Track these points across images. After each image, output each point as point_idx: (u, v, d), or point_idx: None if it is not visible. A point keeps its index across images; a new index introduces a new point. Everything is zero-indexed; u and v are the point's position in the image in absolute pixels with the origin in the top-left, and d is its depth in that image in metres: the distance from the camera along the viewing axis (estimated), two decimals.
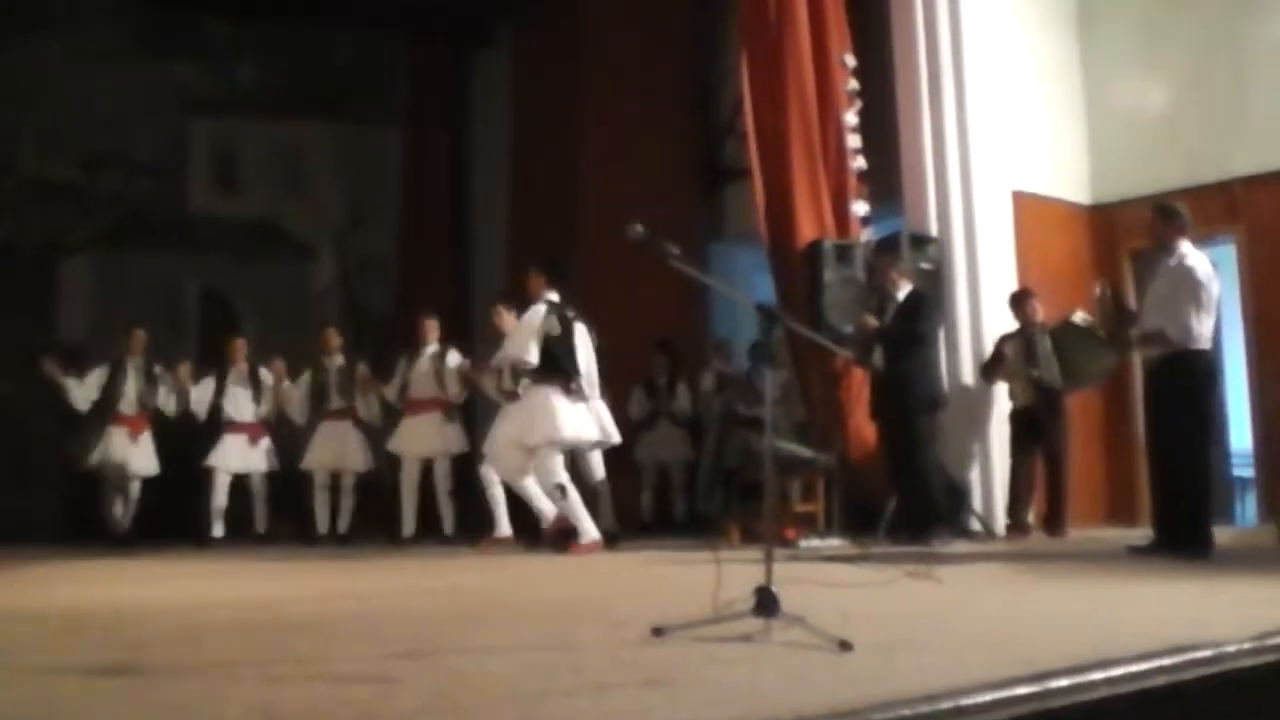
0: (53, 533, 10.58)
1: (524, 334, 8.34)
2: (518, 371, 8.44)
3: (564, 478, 8.23)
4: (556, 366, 8.30)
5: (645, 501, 11.45)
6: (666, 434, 11.36)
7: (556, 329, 8.32)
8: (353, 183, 14.95)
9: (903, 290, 8.51)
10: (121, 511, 10.45)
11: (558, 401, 8.21)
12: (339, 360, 10.66)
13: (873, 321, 8.48)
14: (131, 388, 10.40)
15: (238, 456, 10.62)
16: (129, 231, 13.70)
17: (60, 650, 3.72)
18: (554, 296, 8.50)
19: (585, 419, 8.42)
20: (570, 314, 8.52)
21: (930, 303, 8.63)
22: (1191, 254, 6.68)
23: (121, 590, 6.18)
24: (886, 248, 9.04)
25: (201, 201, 14.35)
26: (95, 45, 13.63)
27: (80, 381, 10.26)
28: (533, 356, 8.23)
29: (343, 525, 10.55)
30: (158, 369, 10.59)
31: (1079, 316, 8.64)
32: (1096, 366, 8.75)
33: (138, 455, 10.50)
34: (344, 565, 7.83)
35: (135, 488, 10.55)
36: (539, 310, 8.37)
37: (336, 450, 10.52)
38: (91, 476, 10.52)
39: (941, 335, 8.96)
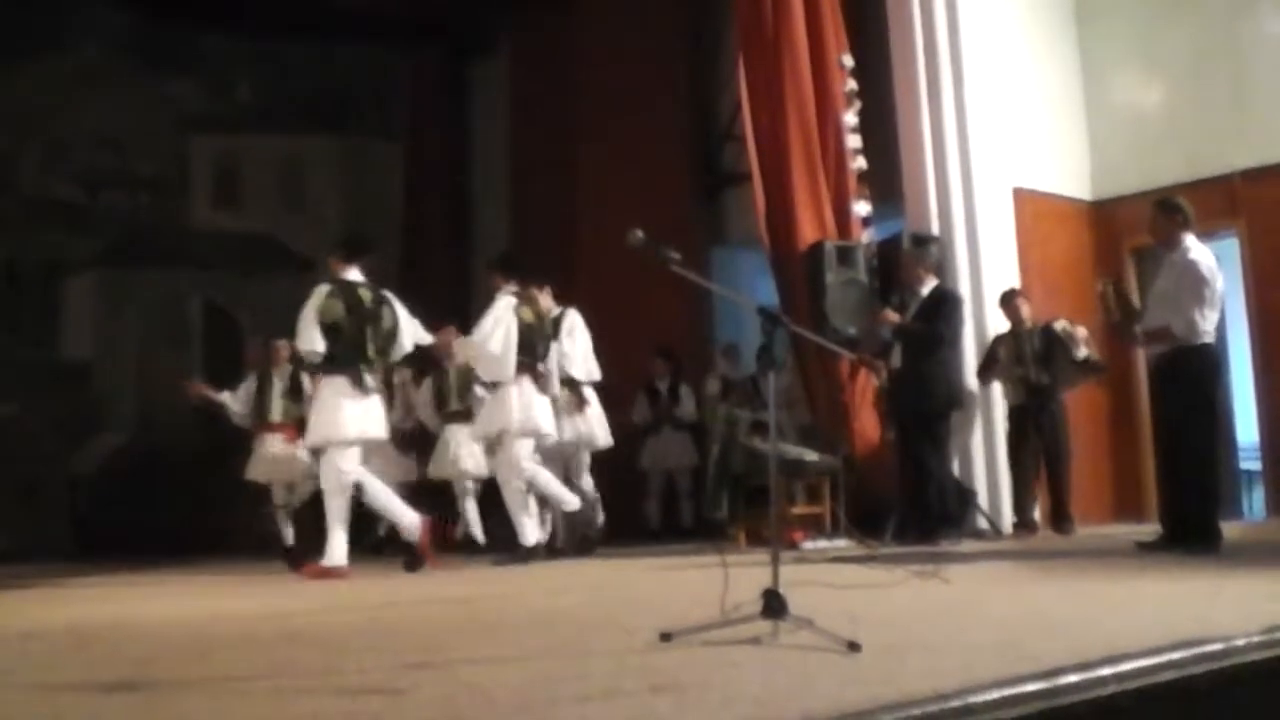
0: (59, 550, 10.59)
1: (303, 323, 7.48)
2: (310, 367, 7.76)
3: (358, 477, 7.52)
4: (339, 357, 7.52)
5: (651, 508, 11.44)
6: (670, 439, 11.35)
7: (339, 312, 7.51)
8: (353, 195, 14.97)
9: (927, 286, 8.50)
10: (284, 524, 10.20)
11: (341, 398, 7.47)
12: (458, 362, 10.01)
13: (893, 316, 8.47)
14: (278, 397, 10.31)
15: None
16: (131, 248, 13.73)
17: (68, 667, 3.72)
18: (352, 275, 7.75)
19: (374, 414, 7.62)
20: (372, 295, 7.73)
21: (952, 301, 8.59)
22: (1195, 248, 6.65)
23: (128, 606, 6.17)
24: (918, 243, 8.99)
25: (203, 217, 14.40)
26: (95, 65, 13.70)
27: (234, 396, 10.23)
28: (316, 345, 7.43)
29: (477, 532, 10.21)
30: (304, 378, 10.49)
31: (1060, 325, 8.65)
32: (1064, 376, 8.75)
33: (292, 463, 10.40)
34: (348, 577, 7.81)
35: (297, 497, 10.39)
36: (320, 291, 7.57)
37: (464, 455, 10.05)
38: (93, 490, 10.46)
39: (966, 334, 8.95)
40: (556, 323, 8.85)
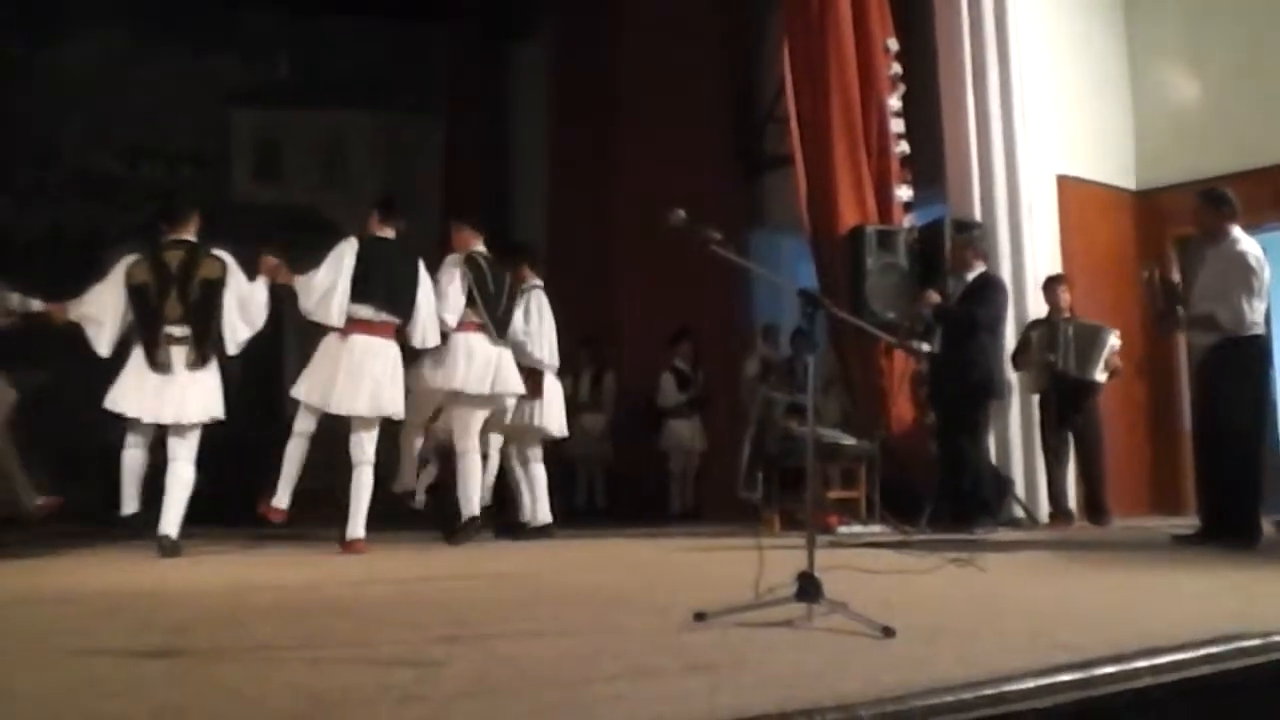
0: (93, 518, 10.63)
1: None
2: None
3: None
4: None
5: (676, 489, 11.45)
6: (692, 421, 11.38)
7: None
8: (392, 171, 15.01)
9: (974, 271, 8.45)
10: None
11: (132, 368, 7.30)
12: None
13: (935, 297, 8.43)
14: None
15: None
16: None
17: (103, 632, 3.75)
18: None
19: (161, 392, 7.22)
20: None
21: (994, 287, 8.51)
22: (1243, 239, 6.60)
23: (163, 573, 6.22)
24: (960, 229, 8.92)
25: (243, 190, 14.46)
26: (137, 39, 13.76)
27: None
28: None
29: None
30: None
31: (1112, 344, 8.57)
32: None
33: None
34: (383, 550, 7.84)
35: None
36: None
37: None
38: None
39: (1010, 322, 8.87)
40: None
